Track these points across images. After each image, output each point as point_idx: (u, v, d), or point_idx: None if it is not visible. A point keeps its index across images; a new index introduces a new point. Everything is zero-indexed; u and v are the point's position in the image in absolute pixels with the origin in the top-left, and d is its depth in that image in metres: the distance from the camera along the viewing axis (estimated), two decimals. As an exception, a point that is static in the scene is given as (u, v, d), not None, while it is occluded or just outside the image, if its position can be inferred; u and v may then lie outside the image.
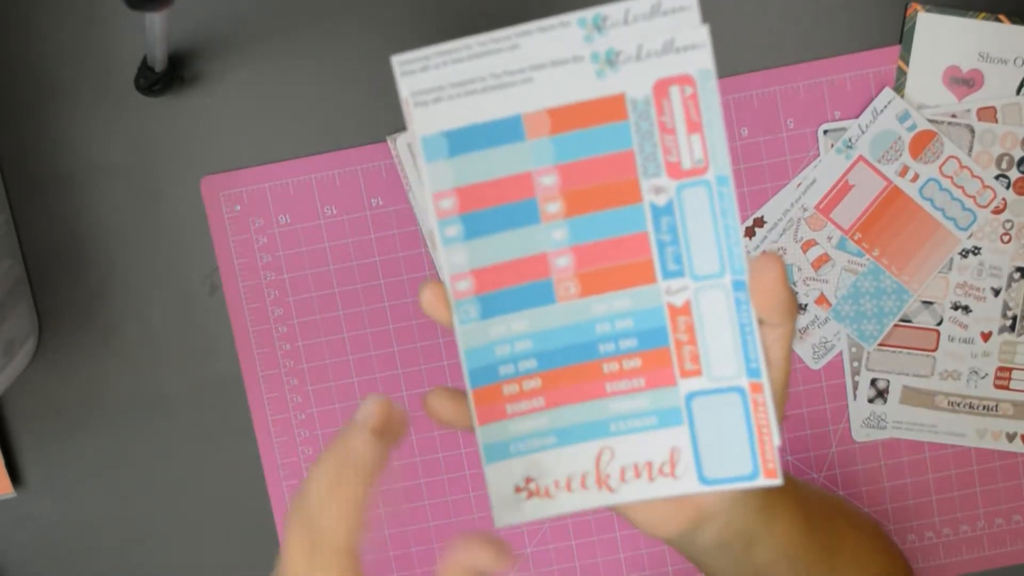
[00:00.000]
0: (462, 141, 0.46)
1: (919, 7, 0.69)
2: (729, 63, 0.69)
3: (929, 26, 0.69)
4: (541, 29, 0.44)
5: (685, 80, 0.43)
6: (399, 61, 0.45)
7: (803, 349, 0.71)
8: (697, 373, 0.46)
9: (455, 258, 0.46)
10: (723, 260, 0.44)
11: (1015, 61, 0.69)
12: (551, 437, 0.47)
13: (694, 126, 0.44)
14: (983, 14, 0.68)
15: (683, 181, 0.44)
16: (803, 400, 0.71)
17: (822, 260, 0.70)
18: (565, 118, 0.45)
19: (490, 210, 0.46)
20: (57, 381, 0.71)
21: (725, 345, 0.45)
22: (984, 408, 0.71)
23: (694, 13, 0.43)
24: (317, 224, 0.70)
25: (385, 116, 0.69)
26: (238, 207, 0.70)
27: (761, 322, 0.45)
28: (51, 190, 0.69)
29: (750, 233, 0.70)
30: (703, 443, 0.46)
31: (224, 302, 0.70)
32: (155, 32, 0.60)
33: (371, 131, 0.69)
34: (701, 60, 0.43)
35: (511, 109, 0.45)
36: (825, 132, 0.69)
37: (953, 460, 0.72)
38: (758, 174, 0.70)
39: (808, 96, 0.69)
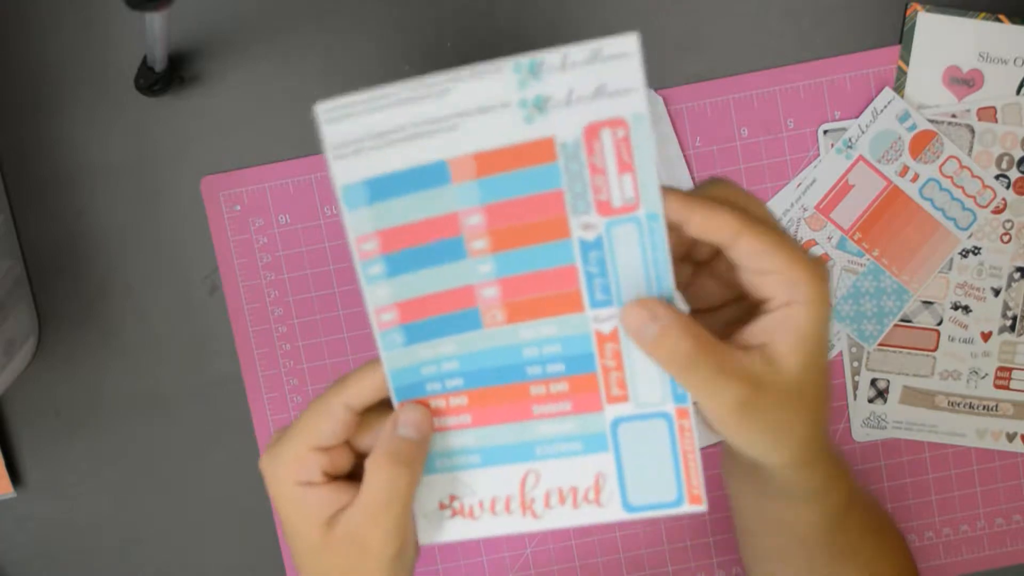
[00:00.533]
0: (384, 188, 0.45)
1: (919, 7, 0.69)
2: (729, 63, 0.69)
3: (929, 26, 0.69)
4: (473, 75, 0.43)
5: (618, 123, 0.42)
6: (322, 109, 0.44)
7: (803, 349, 0.71)
8: (624, 399, 0.45)
9: (379, 292, 0.46)
10: (651, 291, 0.44)
11: (1015, 61, 0.69)
12: (476, 456, 0.47)
13: (625, 166, 0.43)
14: (983, 14, 0.68)
15: (612, 218, 0.43)
16: (803, 400, 0.71)
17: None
18: (492, 162, 0.44)
19: (414, 249, 0.45)
20: (57, 381, 0.71)
21: (651, 371, 0.45)
22: (984, 408, 0.71)
23: (635, 60, 0.41)
24: (317, 224, 0.70)
25: (385, 116, 0.69)
26: (238, 207, 0.70)
27: (764, 300, 0.45)
28: (51, 190, 0.69)
29: (750, 233, 0.70)
30: (628, 469, 0.46)
31: (224, 302, 0.70)
32: (155, 32, 0.60)
33: (371, 131, 0.69)
34: (634, 104, 0.42)
35: (435, 155, 0.44)
36: (825, 132, 0.69)
37: (953, 460, 0.72)
38: (758, 174, 0.70)
39: (808, 96, 0.69)
